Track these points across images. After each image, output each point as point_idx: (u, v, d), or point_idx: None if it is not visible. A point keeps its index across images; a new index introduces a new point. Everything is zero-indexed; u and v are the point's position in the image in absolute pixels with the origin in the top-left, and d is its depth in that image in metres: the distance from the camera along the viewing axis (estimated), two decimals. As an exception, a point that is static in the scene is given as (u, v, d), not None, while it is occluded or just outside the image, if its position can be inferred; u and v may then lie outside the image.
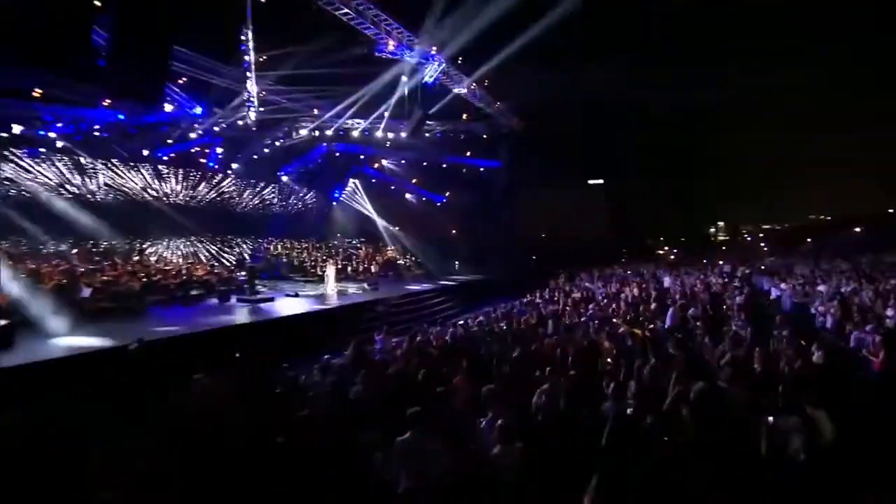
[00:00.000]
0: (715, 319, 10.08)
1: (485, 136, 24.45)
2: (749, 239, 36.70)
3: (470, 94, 21.20)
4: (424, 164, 26.49)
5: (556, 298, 15.27)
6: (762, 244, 26.21)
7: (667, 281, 16.68)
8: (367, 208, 29.04)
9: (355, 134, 23.11)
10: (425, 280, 23.39)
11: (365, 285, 19.77)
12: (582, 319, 11.01)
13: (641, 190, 40.08)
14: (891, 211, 29.30)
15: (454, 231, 33.57)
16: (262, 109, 19.05)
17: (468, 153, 26.13)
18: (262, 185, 26.71)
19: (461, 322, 11.81)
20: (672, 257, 26.40)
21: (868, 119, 26.45)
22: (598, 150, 37.24)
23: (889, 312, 9.11)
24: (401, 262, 26.66)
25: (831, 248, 20.71)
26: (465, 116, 23.31)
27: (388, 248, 28.48)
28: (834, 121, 28.15)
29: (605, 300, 13.68)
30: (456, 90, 20.46)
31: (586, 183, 46.81)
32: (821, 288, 12.16)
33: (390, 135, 22.98)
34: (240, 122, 19.83)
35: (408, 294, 18.78)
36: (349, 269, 23.29)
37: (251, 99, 17.73)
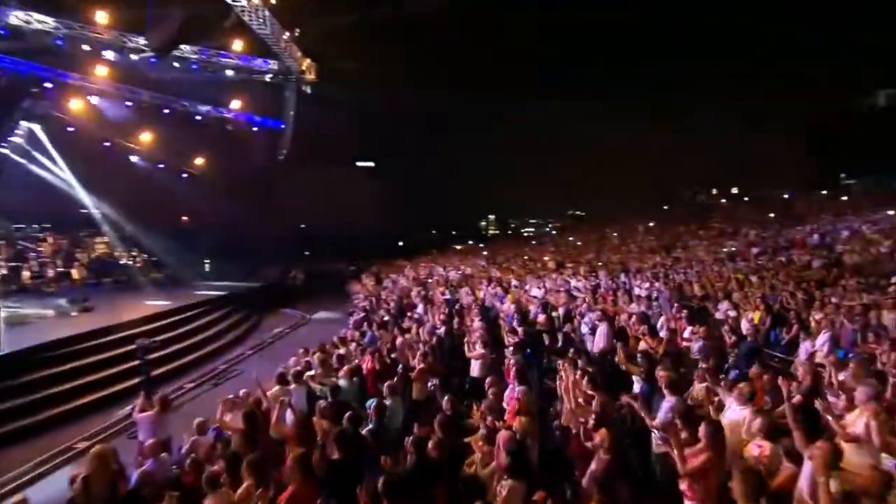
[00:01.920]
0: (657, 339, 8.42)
1: (268, 80, 18.93)
2: (552, 233, 40.41)
3: (251, 12, 15.56)
4: (167, 110, 19.10)
5: (389, 305, 12.57)
6: (572, 239, 28.15)
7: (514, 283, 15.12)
8: (60, 172, 19.67)
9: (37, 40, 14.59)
10: (168, 289, 17.74)
11: (63, 302, 13.48)
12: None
13: (413, 177, 40.56)
14: (665, 208, 35.90)
15: (191, 216, 28.64)
16: None
17: (237, 102, 20.07)
18: None
19: (311, 372, 7.15)
20: (485, 253, 25.86)
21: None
22: (372, 129, 35.67)
23: (817, 316, 8.73)
24: (123, 261, 19.50)
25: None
26: (239, 47, 17.34)
27: (98, 240, 20.58)
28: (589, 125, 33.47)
29: (470, 312, 10.89)
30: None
31: (354, 164, 45.01)
32: (697, 290, 11.85)
33: (109, 54, 15.51)
34: None
35: (153, 315, 12.86)
36: (25, 275, 16.09)
37: None
